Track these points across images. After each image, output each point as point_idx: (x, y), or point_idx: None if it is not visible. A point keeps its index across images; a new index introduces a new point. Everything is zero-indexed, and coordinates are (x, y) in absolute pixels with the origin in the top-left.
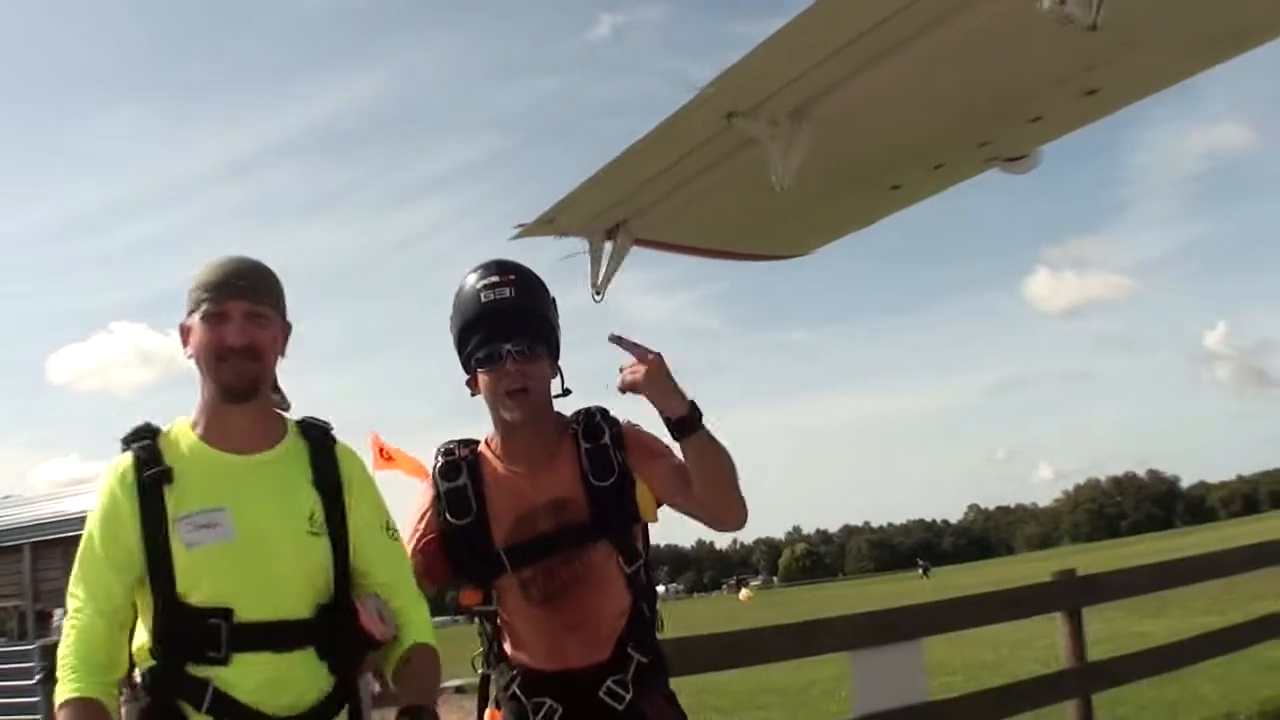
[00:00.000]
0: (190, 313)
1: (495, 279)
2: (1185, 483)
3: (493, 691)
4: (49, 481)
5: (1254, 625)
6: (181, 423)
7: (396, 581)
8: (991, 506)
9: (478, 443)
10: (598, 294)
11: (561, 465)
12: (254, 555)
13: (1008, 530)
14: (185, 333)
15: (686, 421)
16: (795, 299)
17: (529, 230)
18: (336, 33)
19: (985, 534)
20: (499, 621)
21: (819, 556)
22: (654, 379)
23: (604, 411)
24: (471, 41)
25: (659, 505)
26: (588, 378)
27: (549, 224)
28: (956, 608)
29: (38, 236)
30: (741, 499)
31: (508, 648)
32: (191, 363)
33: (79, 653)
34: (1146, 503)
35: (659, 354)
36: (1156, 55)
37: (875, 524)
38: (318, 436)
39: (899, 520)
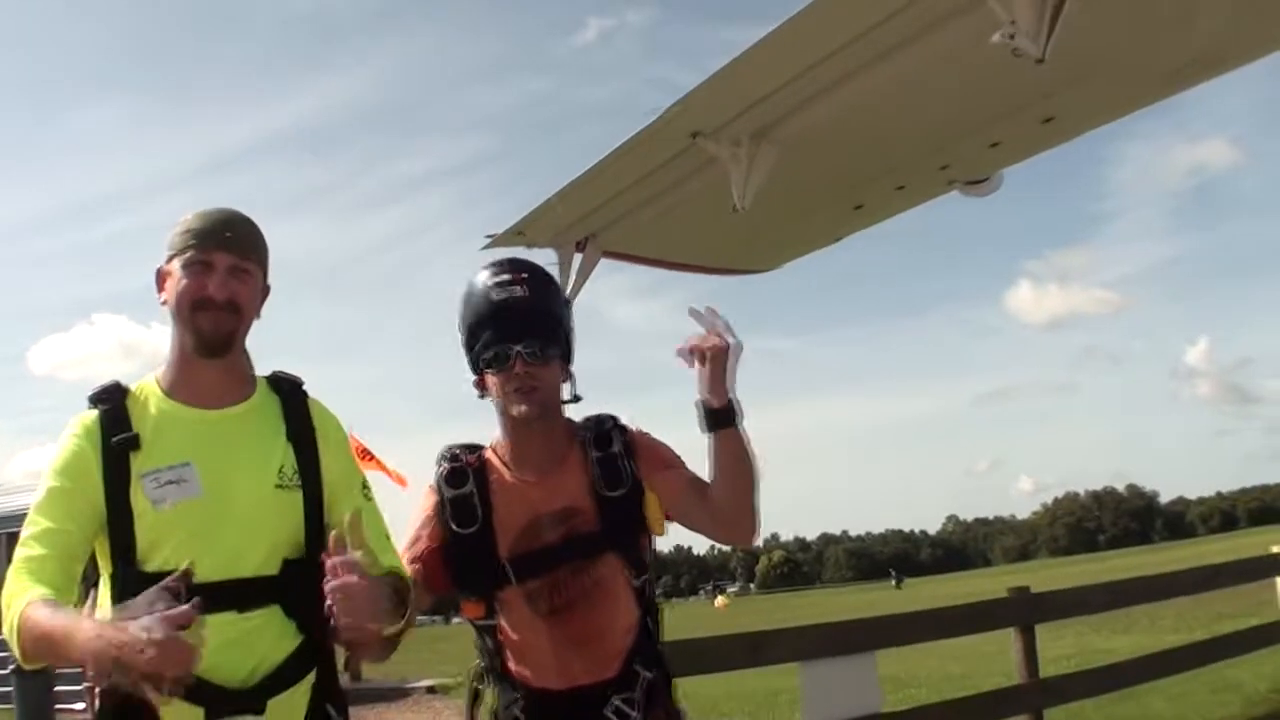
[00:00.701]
0: (171, 258)
1: (507, 277)
2: (1164, 498)
3: (486, 707)
4: (26, 472)
5: (1206, 645)
6: (148, 380)
7: (371, 540)
8: (970, 518)
9: (482, 448)
10: (568, 303)
11: (570, 473)
12: (219, 510)
13: (985, 542)
14: (162, 278)
15: (725, 413)
16: (776, 307)
17: (499, 241)
18: (321, 31)
19: (963, 546)
20: (500, 636)
21: (797, 564)
22: (721, 359)
23: (614, 419)
24: (456, 43)
25: (667, 519)
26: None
27: (518, 235)
28: (910, 622)
29: (20, 228)
30: (757, 511)
31: (510, 664)
32: (164, 308)
33: (34, 577)
34: (1125, 518)
35: (740, 342)
36: (1110, 86)
37: (854, 533)
38: (289, 389)
39: (877, 530)
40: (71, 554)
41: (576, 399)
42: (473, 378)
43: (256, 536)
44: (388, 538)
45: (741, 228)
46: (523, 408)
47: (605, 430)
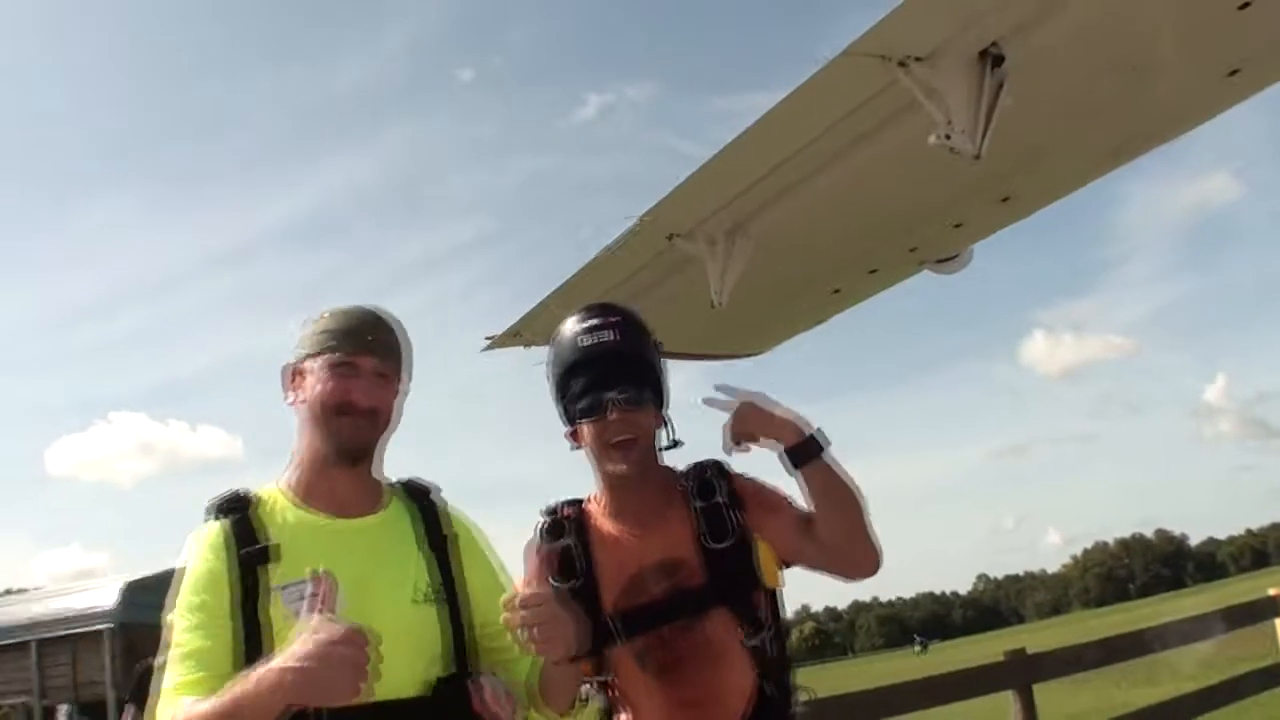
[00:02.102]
0: (308, 356)
1: (596, 321)
2: (1194, 540)
3: None
4: (50, 574)
5: (1204, 693)
6: (274, 487)
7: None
8: (1000, 575)
9: (582, 502)
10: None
11: (674, 524)
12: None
13: (1017, 599)
14: (294, 376)
15: (803, 449)
16: (789, 374)
17: (498, 342)
18: (327, 120)
19: (995, 604)
20: (612, 694)
21: (828, 635)
22: (754, 420)
23: (717, 465)
24: (459, 124)
25: (785, 566)
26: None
27: (515, 337)
28: (902, 692)
29: (34, 326)
30: (872, 540)
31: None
32: (295, 408)
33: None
34: (1156, 563)
35: (749, 399)
36: (1059, 166)
37: (884, 599)
38: (421, 497)
39: (908, 594)
40: (222, 674)
41: (677, 444)
42: (567, 429)
43: (396, 654)
44: None
45: (726, 317)
46: (621, 468)
47: (707, 479)
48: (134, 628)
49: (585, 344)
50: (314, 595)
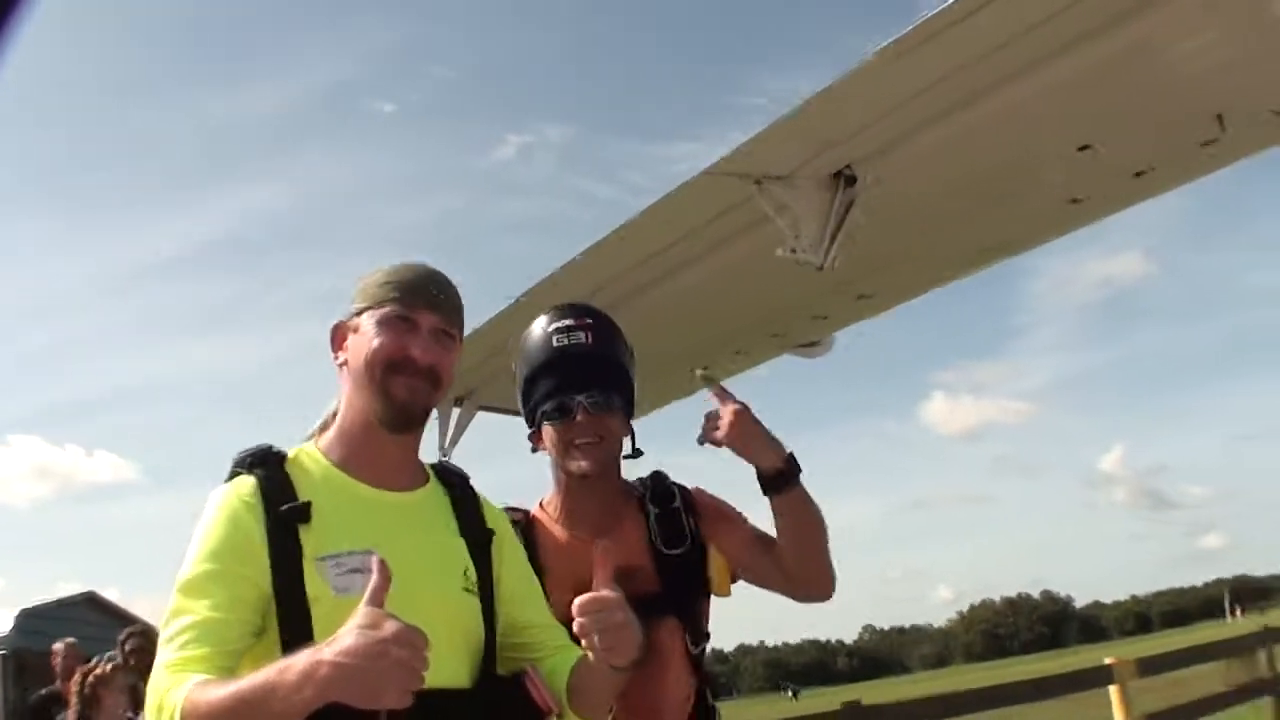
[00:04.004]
0: (361, 311)
1: (569, 322)
2: (1080, 603)
3: None
4: None
5: None
6: (309, 447)
7: (553, 623)
8: (886, 626)
9: (527, 511)
10: (445, 455)
11: (628, 530)
12: (405, 610)
13: (902, 650)
14: (344, 333)
15: (783, 476)
16: (683, 427)
17: None
18: (240, 145)
19: (879, 654)
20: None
21: (714, 676)
22: (741, 430)
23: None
24: (376, 157)
25: (734, 579)
26: None
27: None
28: None
29: None
30: (831, 565)
31: None
32: (336, 373)
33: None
34: (1039, 623)
35: (744, 404)
36: (913, 270)
37: (770, 643)
38: (458, 484)
39: (793, 640)
40: (231, 651)
41: (638, 454)
42: (529, 431)
43: (448, 643)
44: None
45: None
46: (583, 464)
47: (665, 485)
48: (27, 654)
49: (558, 344)
50: (368, 576)
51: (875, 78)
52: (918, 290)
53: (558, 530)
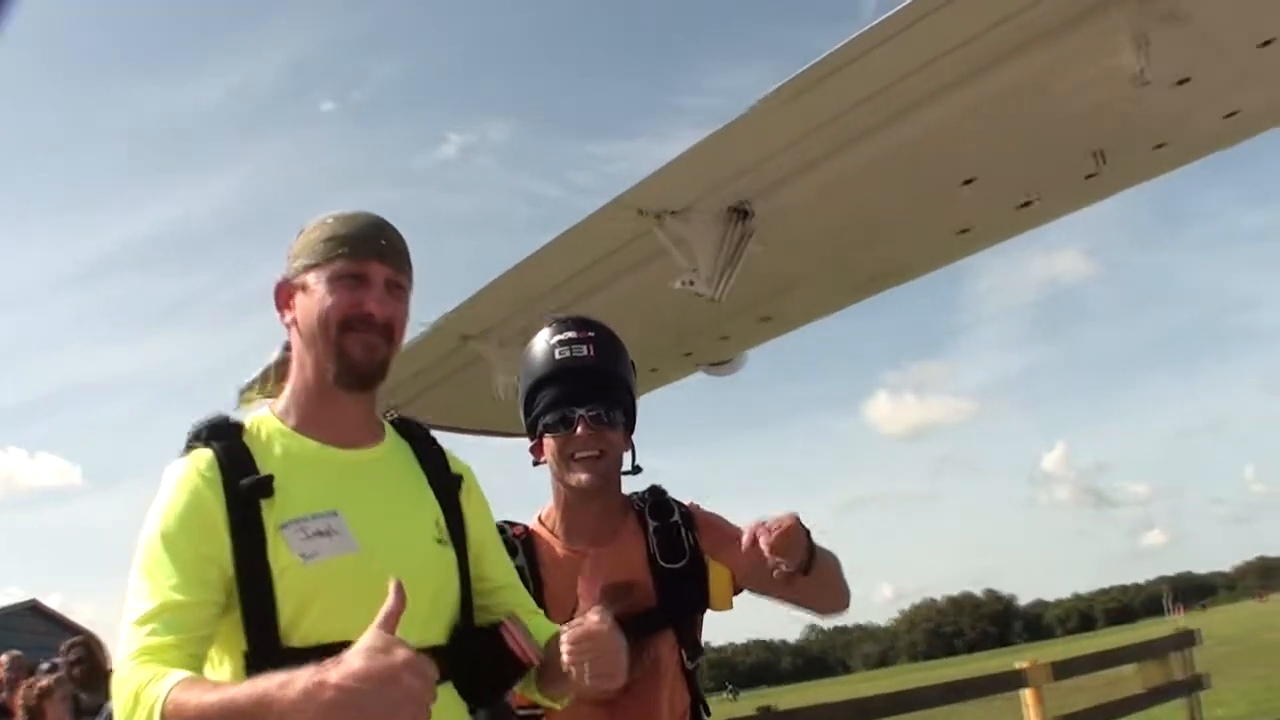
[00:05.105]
0: (307, 268)
1: (572, 334)
2: (1023, 601)
3: None
4: None
5: None
6: (263, 414)
7: (517, 584)
8: (829, 626)
9: (526, 526)
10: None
11: (627, 544)
12: (377, 569)
13: (845, 650)
14: (289, 292)
15: (807, 564)
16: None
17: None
18: (184, 139)
19: (823, 653)
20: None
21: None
22: (797, 542)
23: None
24: (320, 153)
25: (737, 591)
26: None
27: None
28: None
29: None
30: (847, 589)
31: None
32: (291, 328)
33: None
34: (983, 621)
35: (795, 515)
36: (810, 295)
37: (716, 644)
38: (420, 435)
39: (739, 640)
40: (201, 636)
41: (637, 470)
42: (531, 442)
43: (425, 601)
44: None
45: (508, 406)
46: (584, 477)
47: (664, 499)
48: None
49: (560, 357)
50: (333, 539)
51: (770, 117)
52: (818, 314)
53: (556, 544)
